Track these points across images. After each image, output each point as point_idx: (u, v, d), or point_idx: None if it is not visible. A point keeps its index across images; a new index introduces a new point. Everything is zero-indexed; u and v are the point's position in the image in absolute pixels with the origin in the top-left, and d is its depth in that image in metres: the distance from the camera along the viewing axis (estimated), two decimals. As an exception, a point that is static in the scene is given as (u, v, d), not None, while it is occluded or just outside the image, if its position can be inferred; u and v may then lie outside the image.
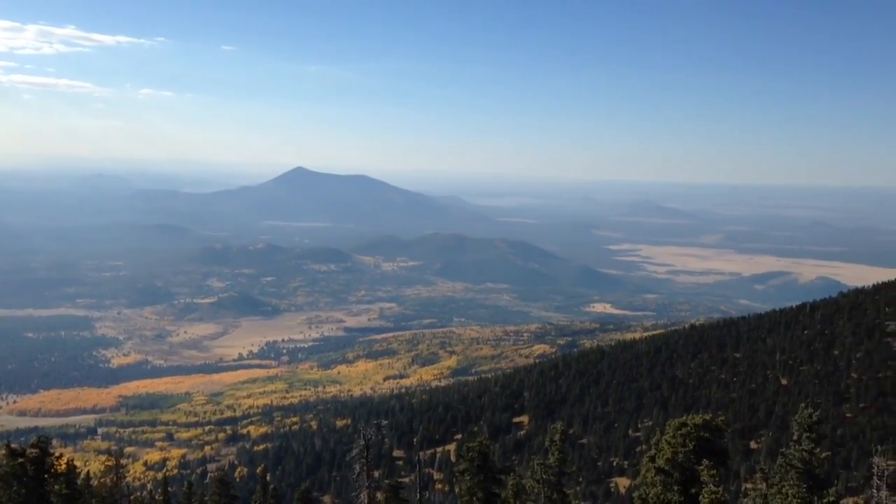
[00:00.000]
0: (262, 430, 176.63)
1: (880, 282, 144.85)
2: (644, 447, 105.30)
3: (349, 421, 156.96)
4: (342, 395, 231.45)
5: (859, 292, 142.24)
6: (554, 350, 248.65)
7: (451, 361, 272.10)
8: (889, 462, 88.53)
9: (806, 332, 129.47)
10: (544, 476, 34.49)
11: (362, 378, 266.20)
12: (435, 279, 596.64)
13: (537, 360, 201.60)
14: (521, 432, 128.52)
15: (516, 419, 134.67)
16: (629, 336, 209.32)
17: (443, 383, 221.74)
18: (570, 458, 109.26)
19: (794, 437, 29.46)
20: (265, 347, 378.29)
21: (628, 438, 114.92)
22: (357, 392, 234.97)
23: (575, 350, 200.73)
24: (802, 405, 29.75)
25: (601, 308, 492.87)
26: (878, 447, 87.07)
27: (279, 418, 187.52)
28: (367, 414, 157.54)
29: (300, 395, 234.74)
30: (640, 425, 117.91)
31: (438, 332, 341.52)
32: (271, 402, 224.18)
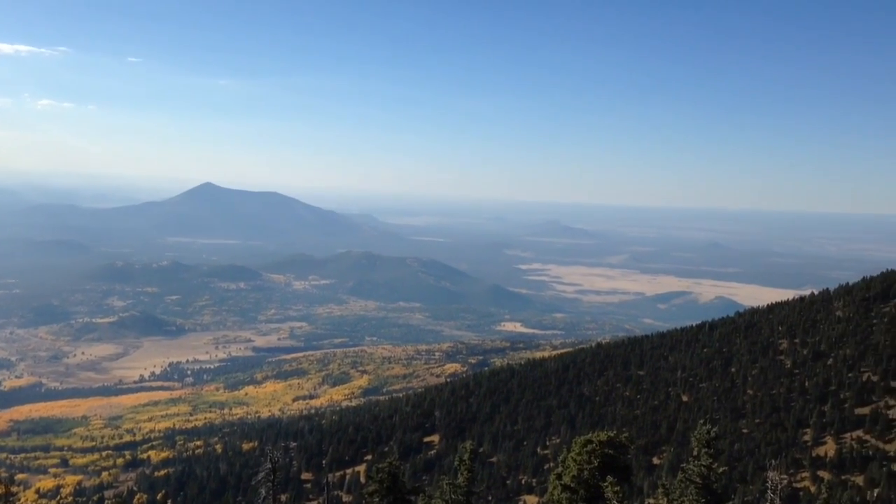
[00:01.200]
0: (164, 454, 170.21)
1: (773, 302, 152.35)
2: (552, 465, 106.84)
3: (256, 443, 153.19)
4: (249, 417, 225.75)
5: (754, 312, 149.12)
6: (465, 369, 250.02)
7: (363, 381, 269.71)
8: (782, 476, 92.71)
9: (705, 350, 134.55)
10: (453, 496, 34.53)
11: (271, 399, 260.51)
12: (347, 298, 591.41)
13: (449, 379, 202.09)
14: (432, 452, 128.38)
15: (427, 438, 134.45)
16: (539, 355, 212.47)
17: (354, 403, 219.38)
18: (479, 477, 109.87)
19: (694, 453, 30.48)
20: (168, 369, 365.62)
21: (537, 456, 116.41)
22: (265, 414, 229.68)
23: (486, 369, 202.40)
24: (701, 422, 30.86)
25: (512, 327, 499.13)
26: (773, 461, 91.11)
27: (182, 442, 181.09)
28: (275, 436, 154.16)
29: (205, 418, 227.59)
30: (548, 443, 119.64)
31: (350, 352, 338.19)
32: (174, 425, 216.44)
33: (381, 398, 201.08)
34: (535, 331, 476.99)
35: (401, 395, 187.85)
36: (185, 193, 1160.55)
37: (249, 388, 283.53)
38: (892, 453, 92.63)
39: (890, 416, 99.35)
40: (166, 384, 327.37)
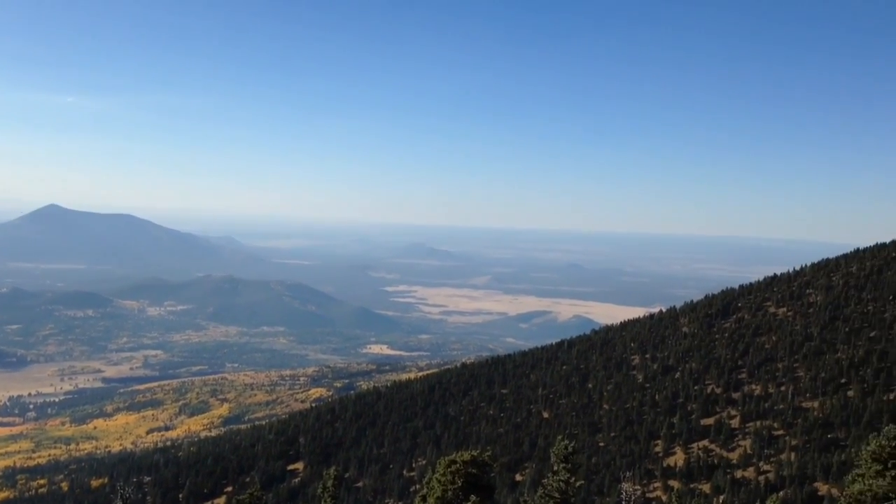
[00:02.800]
0: (3, 494, 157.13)
1: (626, 319, 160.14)
2: (418, 486, 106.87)
3: (106, 479, 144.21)
4: (99, 451, 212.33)
5: (609, 329, 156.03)
6: (331, 393, 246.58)
7: (223, 409, 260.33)
8: (635, 487, 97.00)
9: (564, 367, 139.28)
10: (318, 524, 33.87)
11: (123, 432, 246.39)
12: (206, 323, 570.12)
13: (314, 405, 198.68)
14: (297, 479, 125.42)
15: (291, 466, 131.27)
16: (405, 376, 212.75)
17: (213, 433, 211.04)
18: (344, 503, 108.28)
19: (553, 469, 31.43)
20: (8, 403, 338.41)
21: (403, 479, 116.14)
22: (116, 448, 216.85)
23: (352, 392, 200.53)
24: (559, 437, 31.88)
25: (378, 349, 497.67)
26: (627, 473, 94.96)
27: (23, 481, 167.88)
28: (127, 471, 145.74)
29: (49, 455, 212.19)
30: (414, 465, 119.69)
31: (209, 380, 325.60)
32: (14, 463, 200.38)
33: (243, 427, 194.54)
34: (402, 352, 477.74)
35: (264, 422, 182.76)
36: (26, 216, 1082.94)
37: (99, 422, 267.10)
38: (734, 461, 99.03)
39: (732, 426, 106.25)
40: (6, 420, 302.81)
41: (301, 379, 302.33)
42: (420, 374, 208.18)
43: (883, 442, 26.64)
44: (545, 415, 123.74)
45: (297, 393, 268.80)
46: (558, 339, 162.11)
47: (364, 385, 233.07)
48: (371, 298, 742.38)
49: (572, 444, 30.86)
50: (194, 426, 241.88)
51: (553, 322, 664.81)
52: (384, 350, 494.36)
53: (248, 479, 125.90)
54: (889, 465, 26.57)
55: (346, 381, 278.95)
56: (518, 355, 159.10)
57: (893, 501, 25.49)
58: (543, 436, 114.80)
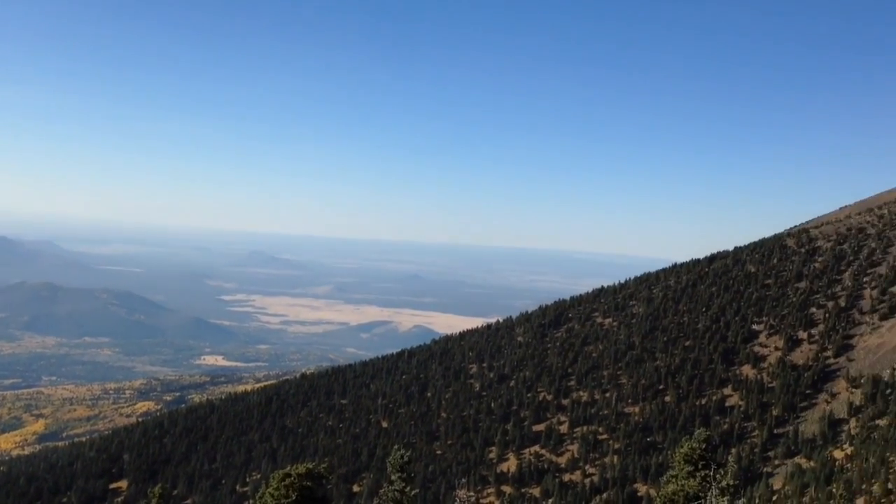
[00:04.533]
0: None
1: (465, 329, 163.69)
2: (251, 502, 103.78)
3: None
4: None
5: (448, 339, 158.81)
6: (160, 407, 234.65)
7: (38, 426, 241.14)
8: (470, 494, 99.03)
9: (404, 376, 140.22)
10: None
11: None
12: (21, 334, 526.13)
13: (141, 419, 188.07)
14: (119, 499, 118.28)
15: (114, 485, 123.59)
16: (241, 388, 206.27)
17: (27, 451, 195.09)
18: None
19: (390, 478, 31.44)
20: None
21: (236, 494, 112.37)
22: None
23: (183, 406, 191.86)
24: (396, 447, 31.97)
25: (213, 360, 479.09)
26: (462, 480, 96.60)
27: None
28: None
29: None
30: (248, 479, 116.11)
31: (23, 394, 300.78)
32: None
33: (61, 444, 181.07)
34: (238, 364, 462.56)
35: (84, 438, 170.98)
36: None
37: None
38: (563, 465, 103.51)
39: (561, 432, 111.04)
40: None
41: (127, 392, 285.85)
42: (257, 385, 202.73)
43: (694, 444, 28.74)
44: (384, 424, 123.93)
45: (123, 407, 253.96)
46: (399, 349, 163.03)
47: (196, 398, 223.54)
48: (206, 308, 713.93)
49: (408, 454, 31.01)
50: (5, 444, 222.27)
51: (394, 332, 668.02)
52: (219, 361, 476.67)
53: (64, 500, 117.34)
54: (699, 466, 28.69)
55: (177, 394, 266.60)
56: (358, 365, 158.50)
57: (703, 500, 27.51)
58: (382, 445, 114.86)
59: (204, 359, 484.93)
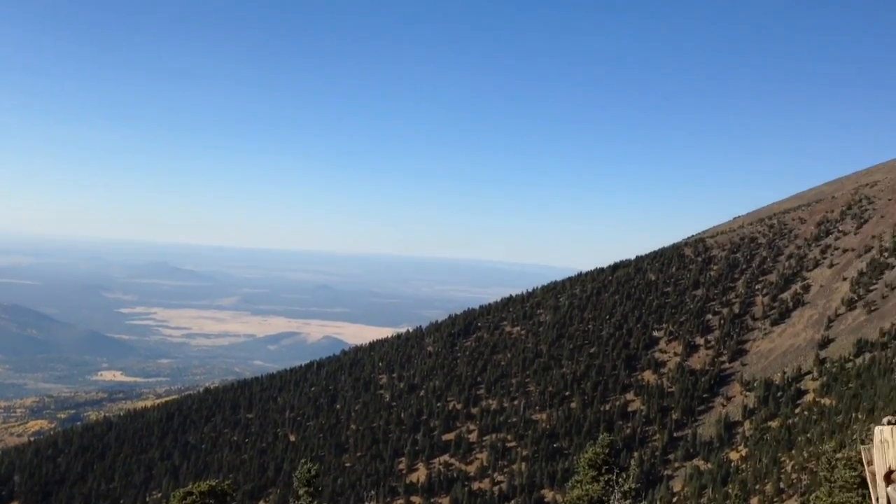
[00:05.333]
0: None
1: (375, 339, 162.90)
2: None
3: None
4: None
5: (358, 349, 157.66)
6: (54, 425, 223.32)
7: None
8: None
9: (313, 388, 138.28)
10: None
11: None
12: None
13: (32, 439, 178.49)
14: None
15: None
16: (141, 404, 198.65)
17: None
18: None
19: (297, 493, 30.89)
20: None
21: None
22: None
23: (78, 424, 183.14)
24: (303, 461, 31.46)
25: (111, 376, 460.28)
26: (371, 492, 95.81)
27: None
28: None
29: None
30: (148, 498, 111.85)
31: None
32: None
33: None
34: (138, 379, 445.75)
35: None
36: None
37: None
38: (472, 473, 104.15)
39: (471, 440, 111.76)
40: None
41: (18, 411, 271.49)
42: (158, 401, 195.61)
43: (598, 450, 29.41)
44: (292, 438, 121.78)
45: (13, 426, 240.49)
46: (308, 361, 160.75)
47: (93, 415, 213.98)
48: (104, 321, 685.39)
49: (315, 467, 30.56)
50: None
51: (303, 343, 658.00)
52: (118, 377, 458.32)
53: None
54: (603, 471, 29.37)
55: (73, 411, 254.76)
56: (265, 378, 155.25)
57: None
58: (289, 460, 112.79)
59: (101, 375, 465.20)
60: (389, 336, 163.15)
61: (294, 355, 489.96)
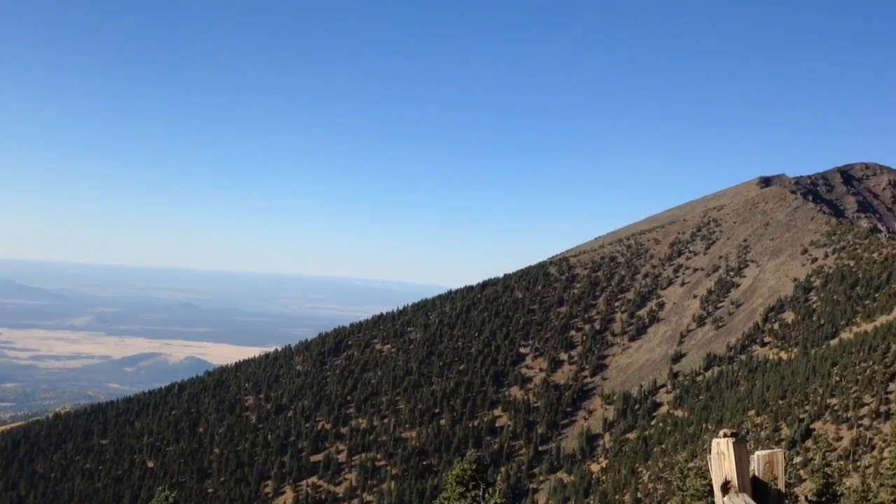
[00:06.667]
0: None
1: (241, 360, 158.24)
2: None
3: None
4: None
5: (223, 370, 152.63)
6: None
7: None
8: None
9: (174, 412, 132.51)
10: None
11: None
12: None
13: None
14: None
15: None
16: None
17: None
18: None
19: (155, 522, 29.46)
20: None
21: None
22: None
23: None
24: (160, 488, 30.11)
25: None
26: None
27: None
28: None
29: None
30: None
31: None
32: None
33: None
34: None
35: None
36: None
37: None
38: (341, 494, 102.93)
39: (340, 461, 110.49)
40: None
41: None
42: (2, 427, 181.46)
43: (465, 466, 29.84)
44: (150, 464, 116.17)
45: None
46: (169, 383, 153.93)
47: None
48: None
49: (174, 494, 29.31)
50: None
51: (164, 364, 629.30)
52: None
53: None
54: (470, 487, 29.80)
55: None
56: (122, 402, 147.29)
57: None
58: (147, 487, 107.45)
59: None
60: (256, 356, 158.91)
61: (154, 377, 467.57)
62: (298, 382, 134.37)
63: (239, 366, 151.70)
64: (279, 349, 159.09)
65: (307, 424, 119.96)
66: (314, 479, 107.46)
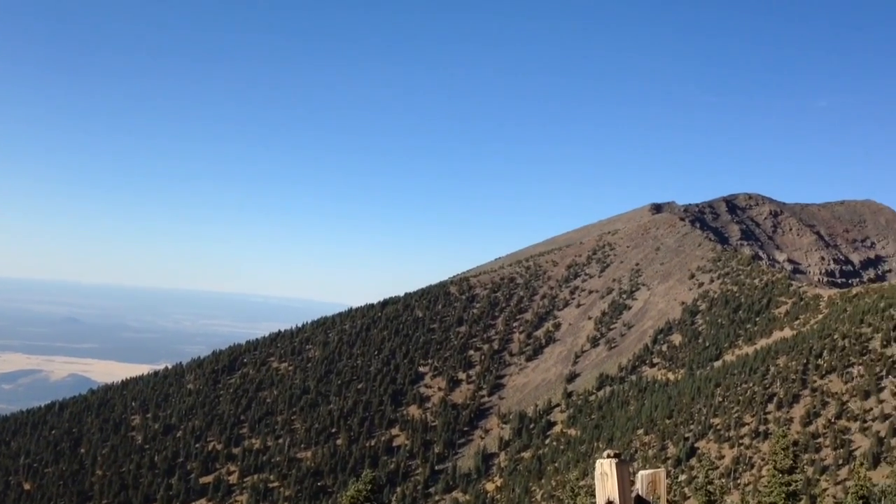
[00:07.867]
0: None
1: (128, 377, 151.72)
2: None
3: None
4: None
5: (109, 388, 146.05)
6: None
7: None
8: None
9: (53, 431, 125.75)
10: None
11: None
12: None
13: None
14: None
15: None
16: None
17: None
18: None
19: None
20: None
21: None
22: None
23: None
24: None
25: None
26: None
27: None
28: None
29: None
30: None
31: None
32: None
33: None
34: None
35: None
36: None
37: None
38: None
39: (231, 482, 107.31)
40: None
41: None
42: None
43: (360, 486, 29.63)
44: (27, 486, 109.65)
45: None
46: (49, 401, 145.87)
47: None
48: None
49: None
50: None
51: (44, 382, 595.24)
52: None
53: None
54: (365, 507, 29.59)
55: None
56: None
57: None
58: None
59: None
60: (145, 373, 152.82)
61: (33, 395, 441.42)
62: (189, 401, 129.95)
63: (125, 384, 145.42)
64: (169, 367, 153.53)
65: (197, 445, 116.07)
66: (203, 501, 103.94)
